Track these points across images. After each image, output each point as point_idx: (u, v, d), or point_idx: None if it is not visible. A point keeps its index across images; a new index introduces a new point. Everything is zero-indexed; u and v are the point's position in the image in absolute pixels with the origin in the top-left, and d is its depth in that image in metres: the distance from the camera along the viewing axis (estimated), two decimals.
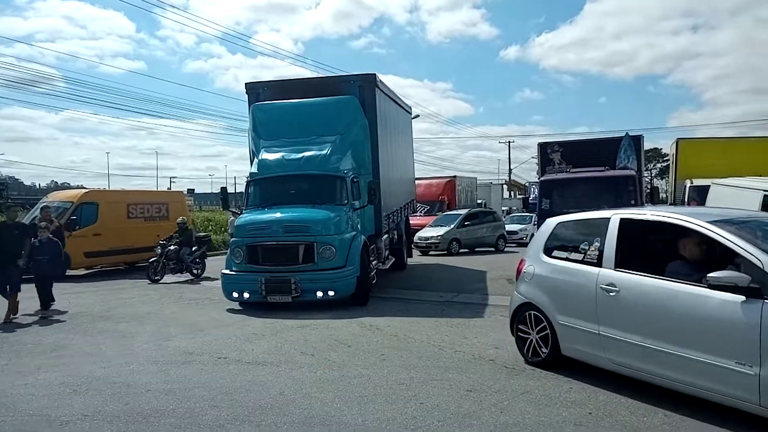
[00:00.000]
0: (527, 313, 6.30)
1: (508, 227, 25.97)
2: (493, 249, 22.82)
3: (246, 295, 9.99)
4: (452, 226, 21.62)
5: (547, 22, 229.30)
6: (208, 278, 15.27)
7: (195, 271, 15.48)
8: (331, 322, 8.78)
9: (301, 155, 10.88)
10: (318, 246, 9.84)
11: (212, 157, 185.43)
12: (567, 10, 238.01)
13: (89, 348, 7.58)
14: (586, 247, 5.75)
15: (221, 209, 17.33)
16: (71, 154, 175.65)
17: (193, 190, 75.48)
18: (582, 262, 5.73)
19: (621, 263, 5.28)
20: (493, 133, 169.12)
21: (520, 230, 25.92)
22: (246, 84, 12.48)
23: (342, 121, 11.33)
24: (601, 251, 5.50)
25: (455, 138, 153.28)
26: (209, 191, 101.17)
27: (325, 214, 10.21)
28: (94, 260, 16.83)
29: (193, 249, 15.65)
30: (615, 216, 5.62)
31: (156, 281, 14.67)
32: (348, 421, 4.72)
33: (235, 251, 10.25)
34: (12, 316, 9.62)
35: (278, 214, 10.30)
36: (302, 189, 10.87)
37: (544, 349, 6.06)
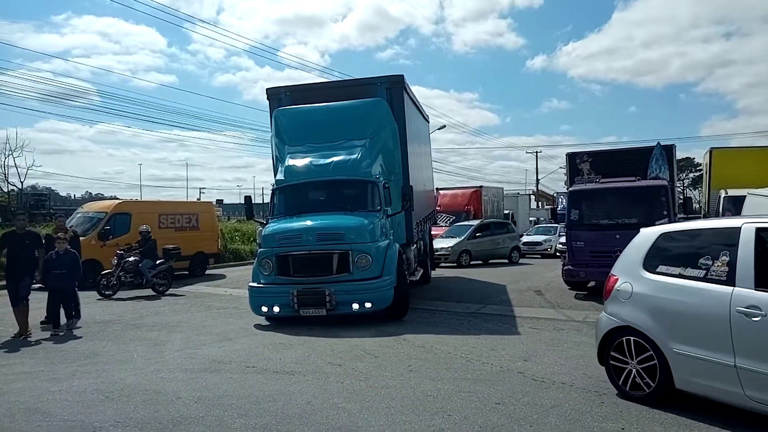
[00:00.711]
0: (625, 339, 5.50)
1: (533, 238, 25.51)
2: (506, 261, 22.46)
3: (276, 309, 9.43)
4: (463, 237, 21.25)
5: (575, 31, 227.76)
6: (235, 287, 15.43)
7: (159, 288, 14.31)
8: (358, 333, 8.78)
9: (330, 160, 10.42)
10: (353, 255, 9.33)
11: (240, 168, 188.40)
12: (595, 19, 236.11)
13: (121, 355, 7.73)
14: (708, 263, 4.99)
15: (246, 219, 17.20)
16: (105, 166, 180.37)
17: (222, 200, 76.53)
18: (704, 279, 4.96)
19: (762, 282, 4.54)
20: (520, 144, 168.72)
21: (545, 241, 25.34)
22: (267, 89, 12.07)
23: (371, 124, 10.92)
24: (732, 267, 4.76)
25: (482, 148, 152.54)
26: (237, 202, 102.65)
27: (359, 221, 9.70)
28: None
29: (158, 262, 14.51)
30: (747, 225, 4.83)
31: (107, 296, 13.50)
32: None
33: (264, 262, 9.66)
34: (27, 331, 9.11)
35: (309, 222, 9.76)
36: (332, 196, 10.41)
37: (648, 382, 5.26)
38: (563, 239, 23.11)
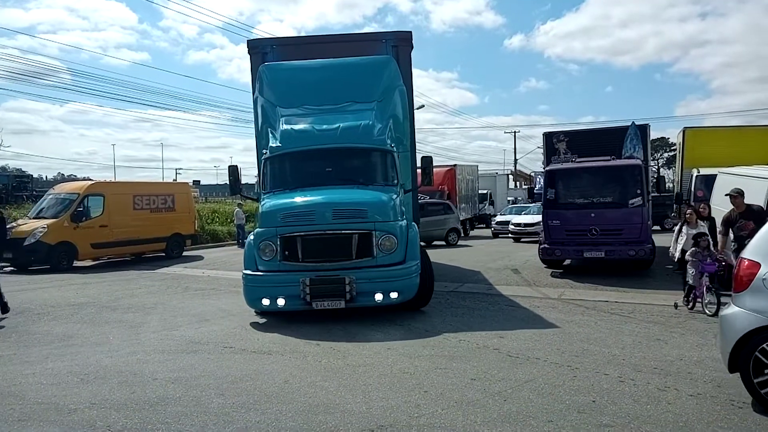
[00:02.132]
0: None
1: (521, 219, 23.31)
2: (444, 243, 21.68)
3: (281, 301, 7.85)
4: None
5: (553, 9, 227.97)
6: (213, 268, 15.34)
7: None
8: (335, 312, 8.80)
9: (336, 125, 8.91)
10: (377, 236, 7.92)
11: (217, 149, 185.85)
12: None
13: (96, 338, 7.65)
14: None
15: (229, 194, 14.98)
16: (77, 146, 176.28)
17: (199, 181, 75.48)
18: None
19: None
20: (498, 123, 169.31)
21: (536, 223, 22.30)
22: (249, 41, 10.41)
23: (380, 86, 9.52)
24: None
25: (460, 128, 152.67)
26: (215, 183, 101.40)
27: (381, 196, 8.34)
28: (101, 251, 16.94)
29: None
30: None
31: None
32: (352, 409, 4.75)
33: (264, 245, 7.98)
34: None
35: (323, 196, 8.23)
36: (340, 167, 8.95)
37: None
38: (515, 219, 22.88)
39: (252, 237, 8.36)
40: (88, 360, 6.47)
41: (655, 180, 14.79)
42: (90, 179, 21.40)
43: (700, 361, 5.92)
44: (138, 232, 17.43)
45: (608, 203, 12.22)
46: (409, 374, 5.67)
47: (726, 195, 8.65)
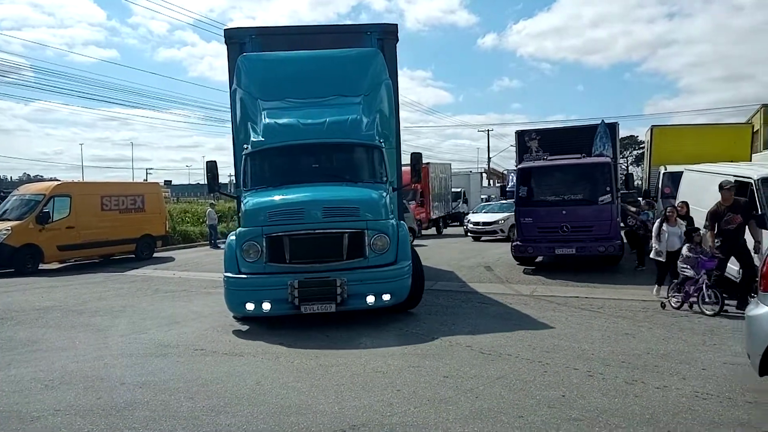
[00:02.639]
0: None
1: (480, 217, 22.55)
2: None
3: (266, 306, 7.39)
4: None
5: (525, 9, 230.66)
6: (184, 269, 15.12)
7: None
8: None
9: (322, 119, 8.53)
10: (369, 235, 7.60)
11: (189, 148, 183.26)
12: None
13: (62, 342, 7.45)
14: None
15: (207, 192, 14.14)
16: (43, 146, 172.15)
17: (170, 181, 74.38)
18: None
19: None
20: (472, 122, 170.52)
21: (503, 220, 20.98)
22: (226, 30, 9.90)
23: (366, 79, 9.17)
24: None
25: (435, 127, 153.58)
26: (186, 182, 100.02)
27: (372, 193, 8.02)
28: (68, 254, 16.52)
29: None
30: None
31: None
32: (324, 410, 4.72)
33: (248, 246, 7.54)
34: None
35: (311, 193, 7.85)
36: (327, 163, 8.68)
37: None
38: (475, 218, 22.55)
39: (233, 237, 7.91)
40: (53, 365, 6.30)
41: (624, 177, 15.04)
42: (57, 180, 20.88)
43: (667, 354, 6.05)
44: (106, 233, 17.04)
45: (579, 200, 12.41)
46: (382, 373, 5.67)
47: (726, 187, 8.19)
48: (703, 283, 8.04)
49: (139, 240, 18.13)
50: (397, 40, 10.14)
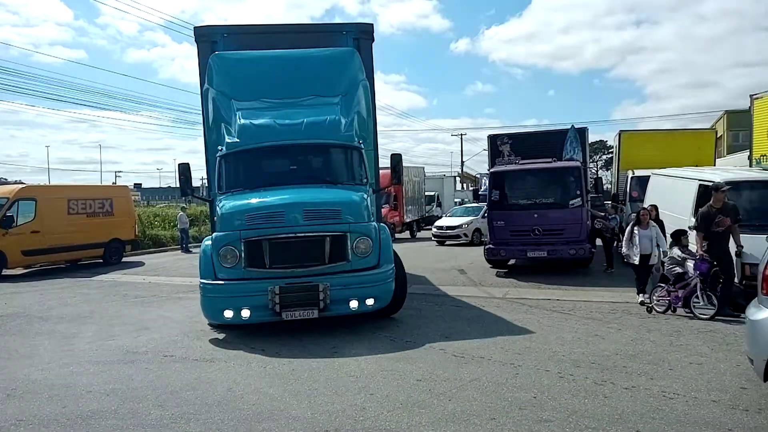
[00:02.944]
0: None
1: (444, 221, 22.60)
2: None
3: (245, 313, 7.14)
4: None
5: (497, 15, 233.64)
6: (154, 274, 14.84)
7: None
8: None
9: (300, 120, 8.29)
10: (352, 238, 7.40)
11: (160, 151, 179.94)
12: (515, 3, 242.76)
13: (26, 350, 7.24)
14: None
15: (180, 196, 13.19)
16: (7, 148, 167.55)
17: (140, 184, 72.98)
18: None
19: None
20: (446, 126, 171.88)
21: (466, 224, 21.47)
22: (196, 28, 9.54)
23: (344, 79, 8.96)
24: None
25: (409, 131, 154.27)
26: (157, 186, 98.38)
27: (353, 195, 7.82)
28: (33, 259, 16.05)
29: None
30: None
31: None
32: (297, 415, 4.68)
33: (225, 251, 7.25)
34: None
35: (291, 196, 7.60)
36: (306, 165, 8.46)
37: None
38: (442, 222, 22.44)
39: (209, 242, 7.62)
40: (16, 374, 6.11)
41: (593, 181, 15.33)
42: (22, 183, 20.27)
43: (635, 355, 6.17)
44: (73, 237, 16.61)
45: (550, 204, 12.59)
46: (355, 377, 5.65)
47: (721, 189, 8.06)
48: (696, 286, 7.95)
49: (107, 244, 17.72)
50: (373, 40, 10.00)
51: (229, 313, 7.18)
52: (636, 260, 9.04)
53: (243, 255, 7.25)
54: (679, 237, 8.51)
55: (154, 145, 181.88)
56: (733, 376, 5.40)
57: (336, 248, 7.36)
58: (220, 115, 8.70)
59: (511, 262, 13.90)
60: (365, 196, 7.97)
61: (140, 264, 18.05)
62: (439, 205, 33.87)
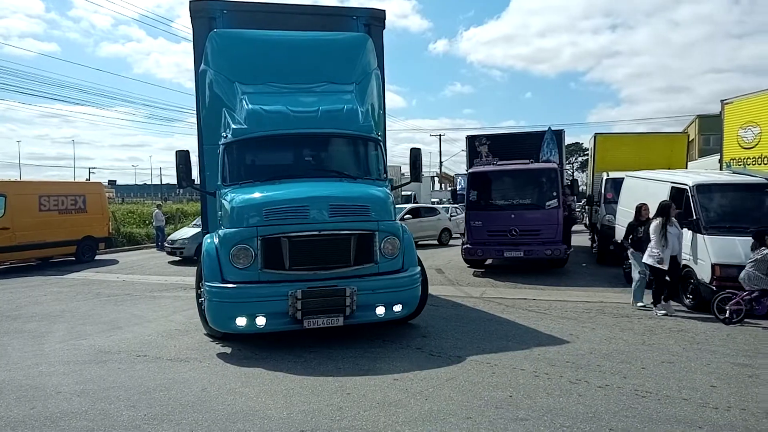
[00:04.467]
0: None
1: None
2: None
3: (261, 321, 6.37)
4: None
5: (476, 16, 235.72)
6: (129, 272, 14.59)
7: None
8: None
9: (315, 108, 7.59)
10: (380, 237, 6.78)
11: (135, 147, 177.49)
12: (494, 5, 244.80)
13: None
14: None
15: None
16: None
17: (115, 181, 71.78)
18: None
19: None
20: (425, 126, 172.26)
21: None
22: (192, 3, 8.67)
23: (358, 66, 8.33)
24: None
25: (388, 131, 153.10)
26: (132, 183, 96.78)
27: (378, 192, 7.20)
28: (2, 256, 15.59)
29: None
30: None
31: None
32: (272, 415, 4.64)
33: (238, 250, 6.45)
34: None
35: (312, 190, 6.87)
36: (322, 156, 7.87)
37: None
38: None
39: (214, 240, 6.87)
40: None
41: (569, 183, 15.51)
42: None
43: (609, 354, 6.26)
44: (44, 235, 16.22)
45: (527, 205, 12.71)
46: (332, 377, 5.62)
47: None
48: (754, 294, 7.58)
49: (79, 242, 17.35)
50: (384, 27, 9.28)
51: (241, 321, 6.36)
52: (665, 266, 8.22)
53: (259, 255, 6.46)
54: (763, 237, 7.66)
55: (129, 141, 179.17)
56: (703, 374, 5.51)
57: (362, 249, 6.68)
58: (221, 99, 8.01)
59: (488, 261, 13.99)
60: (388, 192, 7.41)
61: (114, 262, 17.72)
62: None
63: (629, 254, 9.33)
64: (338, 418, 4.55)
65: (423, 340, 7.00)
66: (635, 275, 9.03)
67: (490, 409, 4.66)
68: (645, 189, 10.92)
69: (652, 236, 8.33)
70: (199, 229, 15.48)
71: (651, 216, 8.81)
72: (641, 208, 9.26)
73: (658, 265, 8.25)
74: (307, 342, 7.00)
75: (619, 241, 10.87)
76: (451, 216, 24.31)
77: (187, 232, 17.88)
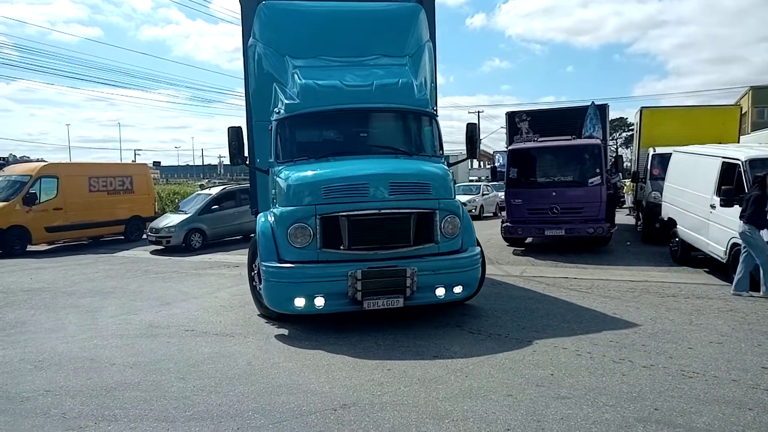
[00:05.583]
0: None
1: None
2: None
3: (320, 301, 6.24)
4: (193, 212, 15.96)
5: None
6: (174, 252, 15.04)
7: None
8: None
9: (369, 81, 7.32)
10: (440, 216, 6.57)
11: (177, 129, 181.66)
12: None
13: (51, 324, 7.42)
14: None
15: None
16: (27, 126, 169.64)
17: (159, 162, 73.54)
18: None
19: None
20: (463, 103, 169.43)
21: (468, 202, 21.37)
22: None
23: (411, 38, 8.03)
24: None
25: None
26: (176, 164, 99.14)
27: (437, 169, 6.94)
28: (56, 235, 16.38)
29: None
30: None
31: None
32: (315, 389, 4.75)
33: (296, 229, 6.32)
34: None
35: (373, 166, 6.65)
36: (377, 132, 7.65)
37: None
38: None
39: (269, 219, 6.77)
40: (43, 346, 6.28)
41: (613, 159, 15.09)
42: (44, 160, 20.58)
43: (654, 334, 6.13)
44: (94, 214, 16.90)
45: (568, 182, 12.45)
46: (372, 353, 5.70)
47: None
48: None
49: (128, 221, 17.99)
50: None
51: (300, 302, 6.25)
52: None
53: (318, 234, 6.31)
54: None
55: (171, 123, 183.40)
56: (754, 355, 5.34)
57: (422, 228, 6.49)
58: (270, 73, 7.78)
59: (528, 240, 13.83)
60: (447, 169, 7.15)
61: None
62: (455, 182, 33.80)
63: (747, 233, 7.64)
64: (379, 393, 4.63)
65: (462, 318, 7.01)
66: (747, 261, 7.77)
67: (531, 387, 4.65)
68: (694, 164, 10.53)
69: None
70: (185, 216, 15.84)
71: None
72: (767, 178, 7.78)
73: None
74: (346, 320, 7.10)
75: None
76: (483, 194, 24.16)
77: (172, 218, 16.05)
